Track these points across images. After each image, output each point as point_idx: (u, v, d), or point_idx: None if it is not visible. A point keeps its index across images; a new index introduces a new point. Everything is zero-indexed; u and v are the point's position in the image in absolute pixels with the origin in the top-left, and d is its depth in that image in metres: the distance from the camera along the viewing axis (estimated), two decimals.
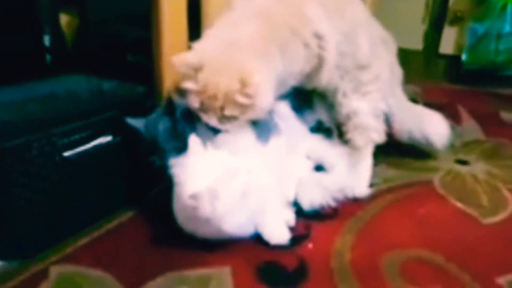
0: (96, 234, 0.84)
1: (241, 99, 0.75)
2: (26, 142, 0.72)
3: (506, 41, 1.77)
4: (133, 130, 0.84)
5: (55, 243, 0.80)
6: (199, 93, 0.77)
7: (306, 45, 0.87)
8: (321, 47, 0.88)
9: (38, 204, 0.76)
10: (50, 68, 1.28)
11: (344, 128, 1.02)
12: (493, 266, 0.77)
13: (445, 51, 1.96)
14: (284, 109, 0.97)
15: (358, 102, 0.99)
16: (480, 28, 1.82)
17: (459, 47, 1.92)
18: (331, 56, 0.90)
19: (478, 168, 1.14)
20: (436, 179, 1.08)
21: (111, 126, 0.86)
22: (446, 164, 1.16)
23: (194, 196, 0.67)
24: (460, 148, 1.26)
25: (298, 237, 0.84)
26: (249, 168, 0.72)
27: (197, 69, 0.76)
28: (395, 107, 1.09)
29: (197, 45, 0.80)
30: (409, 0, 1.94)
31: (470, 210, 0.94)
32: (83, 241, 0.82)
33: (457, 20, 1.90)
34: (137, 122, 0.83)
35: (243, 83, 0.74)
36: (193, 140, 0.74)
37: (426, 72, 1.95)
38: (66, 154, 0.79)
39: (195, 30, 0.96)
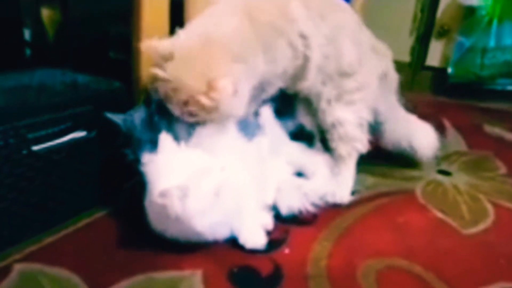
0: (63, 232, 0.81)
1: (204, 101, 0.72)
2: None
3: (491, 56, 1.79)
4: (109, 125, 0.81)
5: (20, 240, 0.77)
6: (164, 82, 0.74)
7: (291, 44, 0.86)
8: (306, 46, 0.87)
9: (2, 199, 0.72)
10: (30, 62, 1.25)
11: (328, 136, 1.01)
12: (471, 277, 0.76)
13: (431, 63, 1.97)
14: (266, 112, 0.95)
15: (343, 111, 0.97)
16: (467, 42, 1.83)
17: (445, 60, 1.93)
18: (316, 56, 0.89)
19: (460, 179, 1.14)
20: (418, 188, 1.07)
21: (85, 121, 0.83)
22: (429, 174, 1.15)
23: (163, 194, 0.65)
24: (443, 159, 1.26)
25: (274, 242, 0.82)
26: (224, 167, 0.70)
27: (167, 58, 0.74)
28: (386, 115, 1.08)
29: (175, 36, 0.78)
30: (397, 12, 1.96)
31: (450, 220, 0.93)
32: (49, 239, 0.79)
33: (444, 33, 1.92)
34: (116, 117, 0.81)
35: (209, 86, 0.72)
36: (164, 138, 0.72)
37: (412, 84, 1.96)
38: (35, 148, 0.75)
39: (177, 28, 0.95)
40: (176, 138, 0.74)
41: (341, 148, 0.99)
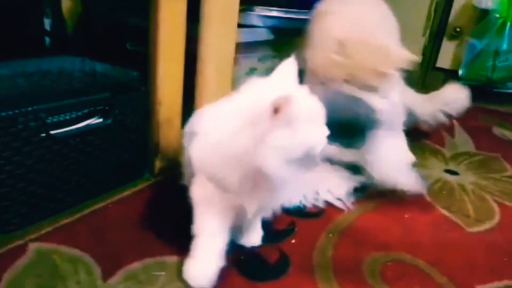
0: (78, 215, 0.83)
1: (386, 70, 0.90)
2: (12, 115, 0.71)
3: (503, 59, 1.79)
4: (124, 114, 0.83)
5: (36, 220, 0.79)
6: (346, 65, 0.91)
7: None
8: None
9: (20, 179, 0.75)
10: (49, 51, 1.27)
11: None
12: (472, 273, 0.77)
13: (442, 65, 1.97)
14: None
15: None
16: (479, 44, 1.83)
17: (457, 62, 1.93)
18: None
19: (467, 179, 1.15)
20: (425, 186, 1.08)
21: (102, 108, 0.85)
22: (436, 173, 1.16)
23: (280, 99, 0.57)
24: (450, 159, 1.27)
25: (281, 233, 0.84)
26: None
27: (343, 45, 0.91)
28: None
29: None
30: (411, 11, 1.96)
31: (455, 218, 0.94)
32: (64, 221, 0.81)
33: (456, 35, 1.92)
34: None
35: (387, 56, 0.90)
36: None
37: (423, 85, 1.96)
38: (53, 132, 0.78)
39: (193, 19, 0.97)
40: None
41: None
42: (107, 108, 0.85)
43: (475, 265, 0.80)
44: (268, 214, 0.76)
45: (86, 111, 0.84)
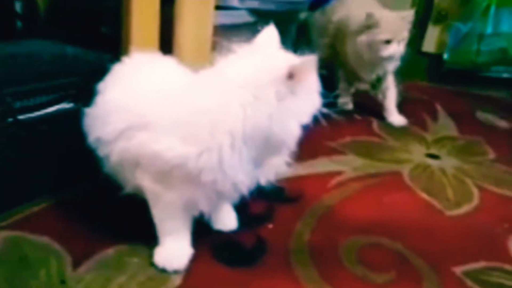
0: (48, 203, 0.81)
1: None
2: None
3: (488, 42, 1.78)
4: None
5: (5, 209, 0.77)
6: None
7: None
8: None
9: None
10: (21, 34, 1.23)
11: None
12: (451, 256, 0.77)
13: (427, 49, 1.96)
14: None
15: None
16: (463, 28, 1.82)
17: (442, 46, 1.92)
18: None
19: (448, 163, 1.14)
20: (405, 170, 1.07)
21: (73, 93, 0.82)
22: (417, 157, 1.16)
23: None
24: (433, 143, 1.26)
25: (258, 217, 0.83)
26: None
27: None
28: None
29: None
30: None
31: (435, 202, 0.94)
32: (34, 209, 0.79)
33: (441, 19, 1.91)
34: None
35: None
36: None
37: (408, 69, 1.95)
38: (21, 116, 0.75)
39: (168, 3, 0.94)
40: None
41: None
42: (78, 92, 0.82)
43: (452, 248, 0.80)
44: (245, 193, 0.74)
45: (56, 95, 0.81)
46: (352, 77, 1.46)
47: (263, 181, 0.85)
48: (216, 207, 0.73)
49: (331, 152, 1.14)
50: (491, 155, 1.22)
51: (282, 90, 0.58)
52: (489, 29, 1.76)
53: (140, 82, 0.69)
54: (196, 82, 0.64)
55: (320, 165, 1.06)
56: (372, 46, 1.27)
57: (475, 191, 1.00)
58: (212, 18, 1.01)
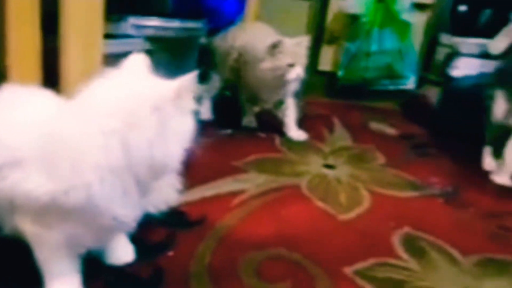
0: None
1: None
2: None
3: (374, 59, 1.97)
4: None
5: None
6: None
7: None
8: None
9: None
10: None
11: None
12: (342, 258, 0.82)
13: (323, 68, 2.12)
14: None
15: None
16: (353, 48, 2.00)
17: (336, 65, 2.09)
18: None
19: (343, 171, 1.23)
20: (304, 182, 1.13)
21: None
22: (315, 168, 1.23)
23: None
24: (330, 154, 1.35)
25: (158, 246, 0.81)
26: None
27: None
28: None
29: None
30: (292, 20, 2.07)
31: (329, 208, 1.00)
32: None
33: (333, 40, 2.08)
34: None
35: None
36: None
37: (307, 87, 2.08)
38: None
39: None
40: None
41: None
42: None
43: (344, 250, 0.85)
44: (132, 225, 0.72)
45: None
46: (255, 98, 1.52)
47: (153, 210, 0.85)
48: (106, 242, 0.70)
49: (235, 171, 1.17)
50: (381, 160, 1.34)
51: (165, 112, 0.57)
52: (374, 47, 1.96)
53: (12, 116, 0.65)
54: (61, 112, 0.61)
55: (224, 185, 1.08)
56: (277, 71, 1.34)
57: (366, 195, 1.09)
58: (100, 47, 1.00)
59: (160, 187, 0.83)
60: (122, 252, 0.75)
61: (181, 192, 0.91)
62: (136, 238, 0.77)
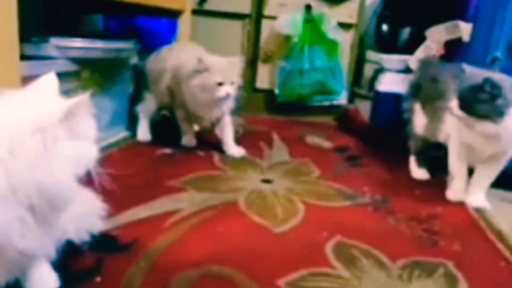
0: None
1: None
2: None
3: (307, 77, 2.05)
4: None
5: None
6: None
7: None
8: None
9: None
10: None
11: None
12: (275, 270, 0.83)
13: (261, 86, 2.17)
14: None
15: None
16: (287, 66, 2.07)
17: (273, 83, 2.14)
18: None
19: (280, 185, 1.25)
20: (241, 198, 1.14)
21: None
22: (252, 184, 1.24)
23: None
24: (268, 169, 1.37)
25: (85, 272, 0.77)
26: None
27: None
28: None
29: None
30: (227, 40, 2.11)
31: (265, 222, 1.01)
32: None
33: (267, 59, 2.14)
34: None
35: None
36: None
37: (247, 104, 2.11)
38: None
39: None
40: None
41: None
42: None
43: (276, 262, 0.86)
44: (47, 254, 0.68)
45: None
46: (192, 117, 1.52)
47: (75, 239, 0.81)
48: (20, 273, 0.66)
49: (172, 190, 1.15)
50: (316, 173, 1.38)
51: (50, 134, 0.54)
52: (306, 65, 2.04)
53: None
54: None
55: (159, 206, 1.06)
56: (205, 89, 1.35)
57: (301, 207, 1.11)
58: (18, 69, 0.95)
59: (81, 216, 0.80)
60: (44, 281, 0.71)
61: (108, 218, 0.88)
62: (61, 265, 0.74)
